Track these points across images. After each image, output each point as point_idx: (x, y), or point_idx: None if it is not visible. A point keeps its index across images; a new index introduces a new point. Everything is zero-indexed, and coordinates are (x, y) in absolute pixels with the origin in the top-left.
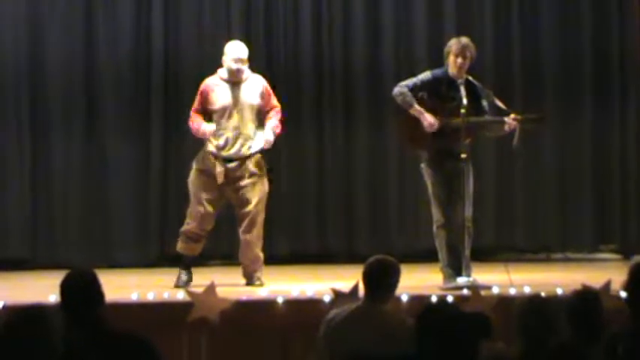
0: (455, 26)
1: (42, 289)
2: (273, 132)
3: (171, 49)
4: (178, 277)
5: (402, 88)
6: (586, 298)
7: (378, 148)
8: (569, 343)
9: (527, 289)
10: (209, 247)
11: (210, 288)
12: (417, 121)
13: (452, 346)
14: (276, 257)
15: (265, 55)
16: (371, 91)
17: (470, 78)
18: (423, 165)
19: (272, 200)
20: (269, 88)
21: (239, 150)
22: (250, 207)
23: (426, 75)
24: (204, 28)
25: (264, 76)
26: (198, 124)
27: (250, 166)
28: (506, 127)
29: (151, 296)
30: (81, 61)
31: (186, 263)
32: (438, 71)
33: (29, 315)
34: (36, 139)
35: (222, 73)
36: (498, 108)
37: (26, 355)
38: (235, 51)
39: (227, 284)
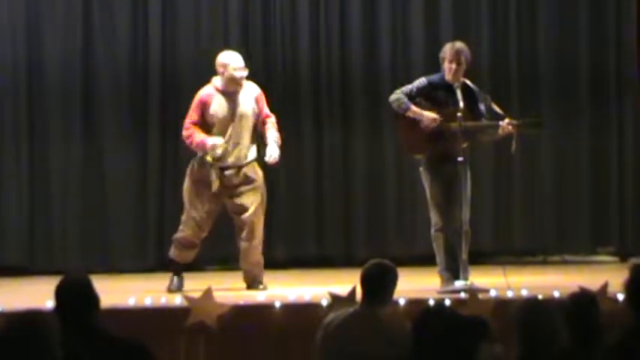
0: (451, 31)
1: (39, 294)
2: (277, 145)
3: (168, 53)
4: (171, 282)
5: (397, 94)
6: (583, 300)
7: (375, 153)
8: (566, 346)
9: (524, 292)
10: (206, 251)
11: (208, 293)
12: (415, 126)
13: (450, 349)
14: (273, 261)
15: (263, 60)
16: (368, 95)
17: (467, 82)
18: (421, 169)
19: (270, 204)
20: (262, 95)
21: (236, 160)
22: (248, 214)
23: (421, 81)
24: (201, 34)
25: (262, 81)
26: (202, 138)
27: (247, 172)
28: (500, 131)
29: (148, 301)
30: (78, 66)
31: (178, 270)
32: (433, 77)
33: (26, 321)
34: (33, 144)
35: (218, 83)
36: (495, 112)
37: None
38: (237, 60)
39: (224, 289)
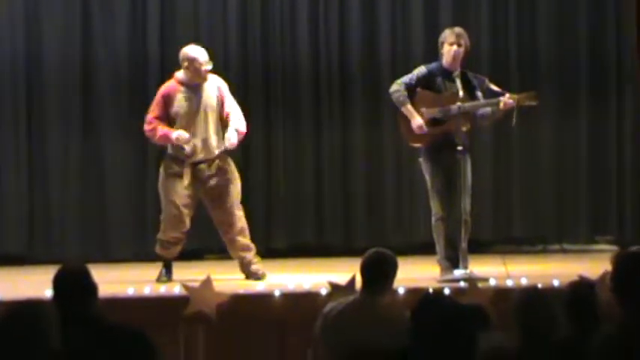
0: (451, 22)
1: (38, 284)
2: (237, 133)
3: (167, 47)
4: (160, 275)
5: (398, 85)
6: (582, 289)
7: (375, 144)
8: (566, 335)
9: (524, 281)
10: (205, 241)
11: (207, 282)
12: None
13: (449, 338)
14: (273, 251)
15: (262, 54)
16: (368, 87)
17: (464, 70)
18: (421, 158)
19: (270, 194)
20: (225, 85)
21: (206, 154)
22: (224, 205)
23: (420, 70)
24: (200, 27)
25: (261, 74)
26: (165, 130)
27: (218, 164)
28: (501, 105)
29: (147, 291)
30: (77, 57)
31: (166, 263)
32: (432, 65)
33: (25, 310)
34: (32, 134)
35: (181, 77)
36: (494, 92)
37: (23, 350)
38: (203, 54)
39: (223, 278)
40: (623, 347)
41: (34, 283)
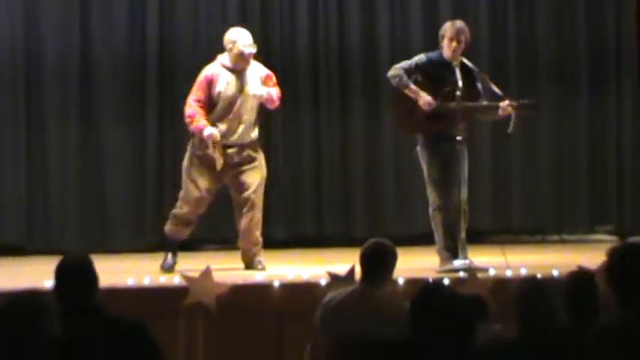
0: (450, 14)
1: (37, 275)
2: (267, 91)
3: (166, 36)
4: (165, 260)
5: (397, 70)
6: (582, 279)
7: (374, 134)
8: (565, 325)
9: (523, 271)
10: (205, 231)
11: (206, 272)
12: (412, 105)
13: (448, 328)
14: (273, 241)
15: (261, 43)
16: (367, 77)
17: (465, 61)
18: (418, 148)
19: (269, 184)
20: (271, 75)
21: (239, 138)
22: (250, 192)
23: (420, 58)
24: (199, 15)
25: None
26: (203, 123)
27: (249, 151)
28: (500, 112)
29: (147, 281)
30: (76, 46)
31: (172, 247)
32: (432, 54)
33: (24, 301)
34: (31, 124)
35: (225, 60)
36: (493, 92)
37: (22, 340)
38: (246, 36)
39: (223, 269)
40: (621, 337)
41: (33, 274)
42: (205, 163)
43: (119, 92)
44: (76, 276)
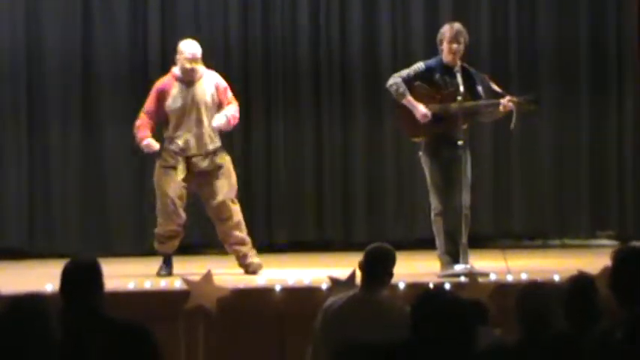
0: (451, 15)
1: (39, 278)
2: (226, 117)
3: (167, 38)
4: (160, 268)
5: (395, 79)
6: (582, 284)
7: (375, 138)
8: (565, 330)
9: (524, 276)
10: (206, 235)
11: (207, 276)
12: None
13: (449, 333)
14: (274, 245)
15: (262, 50)
16: (368, 82)
17: (465, 65)
18: (420, 153)
19: (271, 189)
20: (224, 84)
21: (199, 147)
22: (219, 198)
23: (418, 66)
24: (200, 17)
25: (261, 67)
26: (144, 133)
27: (213, 159)
28: (501, 108)
29: (147, 285)
30: (78, 48)
31: (166, 257)
32: (431, 61)
33: (25, 304)
34: (33, 127)
35: (177, 71)
36: (494, 92)
37: (23, 343)
38: (189, 49)
39: (224, 273)
40: (622, 342)
41: (35, 277)
42: (171, 172)
43: (121, 96)
44: (83, 278)
